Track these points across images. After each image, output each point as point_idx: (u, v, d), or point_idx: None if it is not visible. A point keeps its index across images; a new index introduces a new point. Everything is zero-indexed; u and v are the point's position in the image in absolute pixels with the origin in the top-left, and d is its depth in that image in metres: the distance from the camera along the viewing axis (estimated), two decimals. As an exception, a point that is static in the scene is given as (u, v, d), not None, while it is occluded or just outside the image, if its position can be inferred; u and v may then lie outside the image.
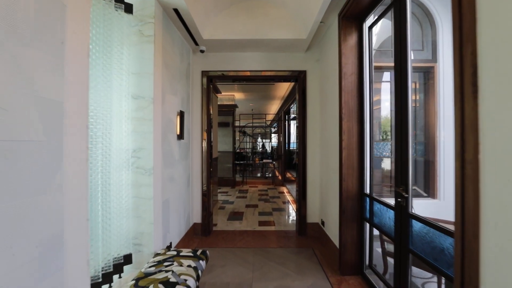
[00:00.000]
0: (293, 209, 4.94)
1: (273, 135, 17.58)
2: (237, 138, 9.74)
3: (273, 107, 9.97)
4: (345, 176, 2.43)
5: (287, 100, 7.09)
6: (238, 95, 7.71)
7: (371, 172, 2.27)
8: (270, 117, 11.98)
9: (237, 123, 9.21)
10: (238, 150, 8.10)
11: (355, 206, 2.43)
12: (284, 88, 6.73)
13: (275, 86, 6.56)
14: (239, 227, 3.84)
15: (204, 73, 3.54)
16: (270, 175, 8.52)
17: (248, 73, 3.56)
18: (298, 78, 3.57)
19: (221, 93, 5.74)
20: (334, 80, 2.70)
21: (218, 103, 7.51)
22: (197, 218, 3.49)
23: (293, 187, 6.77)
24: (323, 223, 3.25)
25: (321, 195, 3.39)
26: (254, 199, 5.78)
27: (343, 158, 2.43)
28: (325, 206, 3.17)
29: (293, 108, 7.83)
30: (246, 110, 9.77)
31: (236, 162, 8.72)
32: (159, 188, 2.29)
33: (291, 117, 8.29)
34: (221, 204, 5.36)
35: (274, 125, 15.91)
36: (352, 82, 2.45)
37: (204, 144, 3.53)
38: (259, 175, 9.43)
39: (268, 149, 12.04)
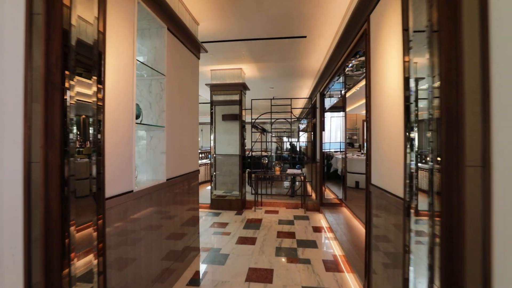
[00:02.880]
0: (353, 297, 2.15)
1: (301, 133, 14.63)
2: (248, 135, 7.11)
3: (303, 92, 7.15)
4: None
5: (326, 72, 4.26)
6: (248, 70, 5.04)
7: None
8: (300, 103, 9.18)
9: (248, 117, 6.56)
10: (249, 154, 5.46)
11: None
12: (327, 42, 3.92)
13: (307, 42, 3.78)
14: None
15: None
16: (297, 190, 5.72)
17: None
18: None
19: (206, 51, 3.10)
20: None
21: (217, 81, 4.91)
22: None
23: (338, 219, 3.93)
24: None
25: None
26: (268, 248, 3.08)
27: None
28: None
29: (334, 86, 4.94)
30: (264, 95, 7.06)
31: (249, 170, 6.09)
32: None
33: (327, 105, 5.42)
34: (202, 262, 2.75)
35: (302, 120, 13.00)
36: None
37: (37, 156, 0.90)
38: (286, 185, 6.69)
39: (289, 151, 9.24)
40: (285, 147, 14.13)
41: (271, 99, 5.25)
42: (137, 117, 1.96)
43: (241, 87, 4.86)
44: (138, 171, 2.15)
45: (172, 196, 2.28)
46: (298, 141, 8.52)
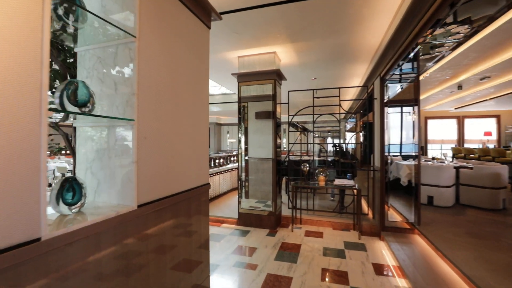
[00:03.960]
0: None
1: (347, 133, 13.01)
2: (283, 135, 6.12)
3: (354, 82, 5.86)
4: None
5: (393, 46, 3.05)
6: (284, 54, 4.07)
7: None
8: (349, 95, 7.83)
9: (284, 116, 5.51)
10: (286, 158, 4.48)
11: None
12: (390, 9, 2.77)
13: (365, 1, 2.67)
14: None
15: None
16: (348, 206, 4.54)
17: None
18: None
19: (220, 18, 2.22)
20: None
21: (245, 70, 4.08)
22: None
23: (413, 256, 2.68)
24: None
25: None
26: (308, 304, 2.07)
27: None
28: None
29: (391, 73, 3.66)
30: (304, 86, 5.96)
31: (286, 177, 5.15)
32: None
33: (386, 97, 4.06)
34: (208, 321, 1.89)
35: (349, 118, 11.50)
36: None
37: None
38: (331, 198, 5.53)
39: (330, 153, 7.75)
40: (330, 150, 12.71)
41: (313, 90, 4.19)
42: (83, 104, 1.17)
43: (275, 76, 3.91)
44: (98, 192, 1.37)
45: (152, 229, 1.45)
46: (345, 142, 7.20)
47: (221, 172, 5.79)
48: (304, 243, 3.34)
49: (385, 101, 3.52)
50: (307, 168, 4.09)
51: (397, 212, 3.93)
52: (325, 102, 5.95)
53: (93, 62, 1.41)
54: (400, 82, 3.77)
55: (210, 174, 5.28)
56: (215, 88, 12.07)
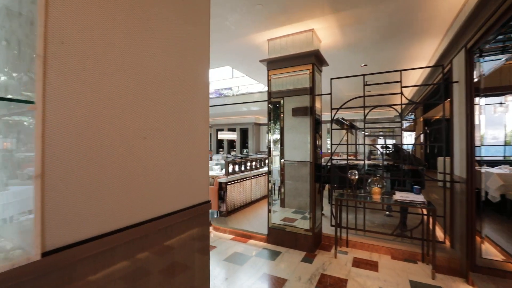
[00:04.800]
0: None
1: (406, 133, 11.22)
2: (326, 134, 5.26)
3: (417, 65, 4.65)
4: None
5: (484, 8, 2.02)
6: (324, 31, 3.25)
7: None
8: (411, 79, 6.53)
9: (326, 114, 4.52)
10: (327, 162, 3.63)
11: None
12: None
13: None
14: None
15: None
16: (413, 229, 3.47)
17: None
18: None
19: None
20: None
21: (276, 55, 3.40)
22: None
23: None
24: None
25: None
26: None
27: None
28: None
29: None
30: (351, 79, 4.93)
31: (328, 185, 4.33)
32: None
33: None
34: None
35: (406, 115, 9.84)
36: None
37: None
38: (387, 213, 4.45)
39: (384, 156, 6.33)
40: (381, 152, 11.08)
41: (363, 75, 3.27)
42: None
43: (313, 59, 3.12)
44: (3, 222, 0.85)
45: (82, 283, 0.87)
46: (402, 142, 5.90)
47: (253, 176, 5.17)
48: (352, 277, 2.49)
49: (482, 76, 2.45)
50: (356, 177, 3.18)
51: (490, 242, 2.77)
52: (379, 93, 4.88)
53: (2, 16, 0.90)
54: (501, 53, 2.62)
55: (238, 179, 4.69)
56: (256, 86, 11.58)
